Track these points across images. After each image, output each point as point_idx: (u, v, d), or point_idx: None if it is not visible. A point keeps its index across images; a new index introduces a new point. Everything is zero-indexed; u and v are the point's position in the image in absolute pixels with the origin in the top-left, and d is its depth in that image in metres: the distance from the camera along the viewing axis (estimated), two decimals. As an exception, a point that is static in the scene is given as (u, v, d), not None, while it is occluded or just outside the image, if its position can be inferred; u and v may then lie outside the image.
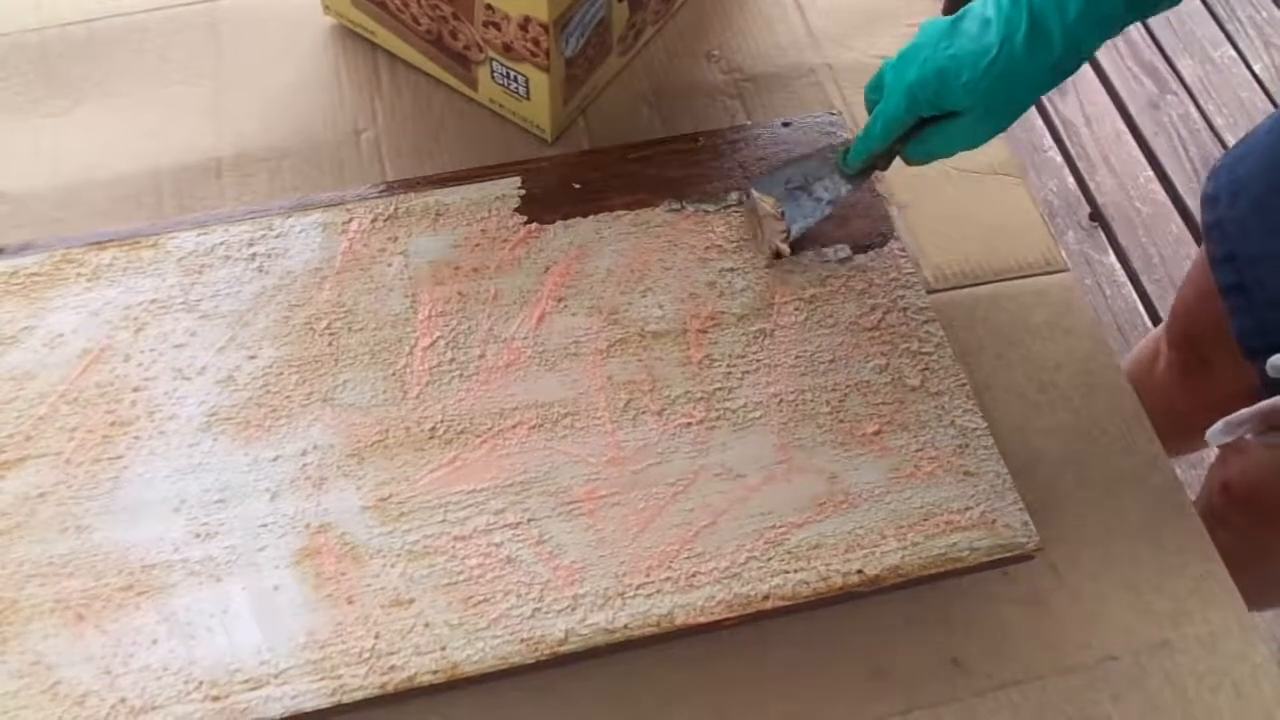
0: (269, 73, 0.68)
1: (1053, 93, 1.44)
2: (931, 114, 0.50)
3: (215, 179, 0.63)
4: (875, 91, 0.54)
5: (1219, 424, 0.56)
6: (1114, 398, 0.58)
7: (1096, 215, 1.38)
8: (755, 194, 0.58)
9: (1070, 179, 1.39)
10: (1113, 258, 1.35)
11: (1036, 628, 0.52)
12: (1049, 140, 1.42)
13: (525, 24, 0.56)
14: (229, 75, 0.68)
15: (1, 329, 0.55)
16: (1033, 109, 1.42)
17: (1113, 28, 0.47)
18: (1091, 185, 1.38)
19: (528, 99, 0.62)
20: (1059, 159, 1.40)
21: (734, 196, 0.60)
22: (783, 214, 0.57)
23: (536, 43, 0.57)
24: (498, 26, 0.58)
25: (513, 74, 0.61)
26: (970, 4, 0.50)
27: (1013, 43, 0.47)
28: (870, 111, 0.54)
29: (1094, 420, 0.57)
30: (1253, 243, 0.66)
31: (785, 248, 0.57)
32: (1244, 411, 0.54)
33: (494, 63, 0.61)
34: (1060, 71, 0.48)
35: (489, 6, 0.57)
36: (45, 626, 0.47)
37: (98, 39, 0.69)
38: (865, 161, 0.55)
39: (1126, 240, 1.35)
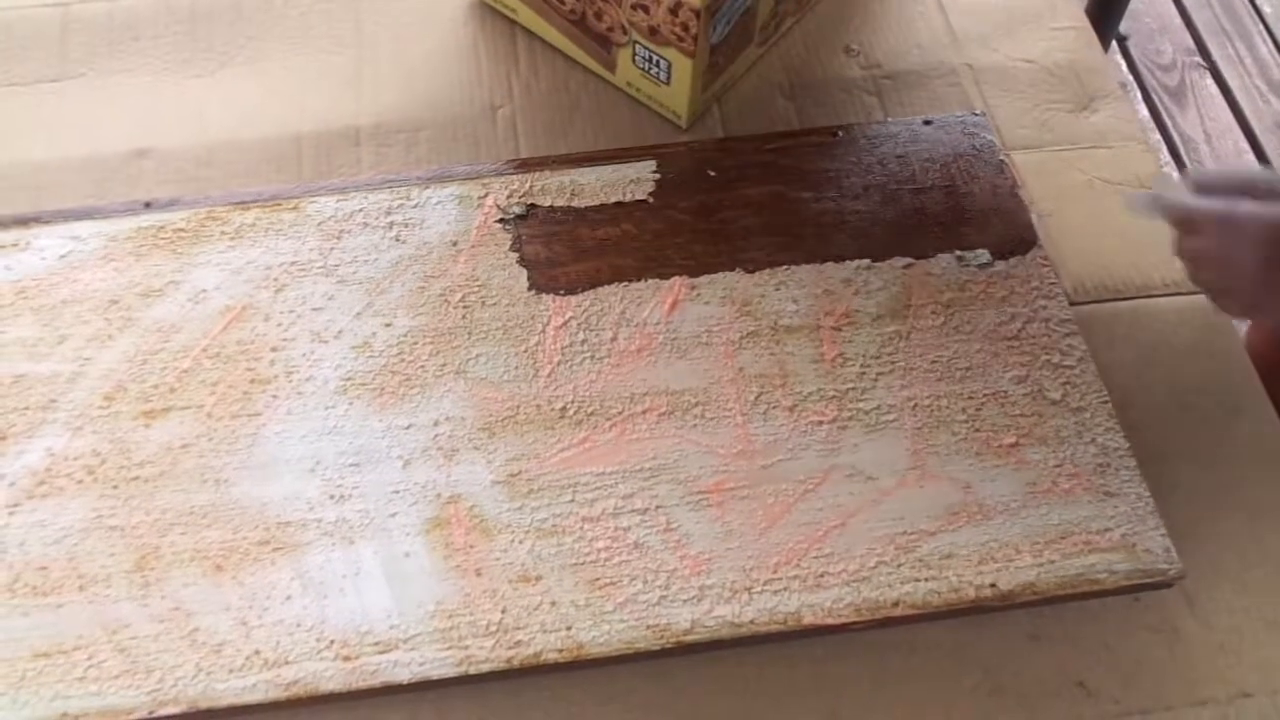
0: (409, 45, 0.68)
1: (1172, 107, 1.39)
2: None
3: (354, 147, 0.64)
4: None
5: None
6: (1257, 425, 0.56)
7: (1211, 234, 1.33)
8: None
9: (1186, 196, 1.35)
10: (1225, 279, 1.30)
11: (1168, 658, 0.50)
12: (1166, 155, 1.38)
13: (676, 8, 0.56)
14: (370, 46, 0.68)
15: (149, 281, 0.56)
16: (1150, 122, 1.38)
17: None
18: (1208, 202, 1.33)
19: (667, 84, 0.61)
20: (1176, 176, 1.36)
21: (875, 197, 0.59)
22: None
23: (685, 27, 0.56)
24: (646, 9, 0.57)
25: (655, 58, 0.60)
26: None
27: None
28: None
29: (1235, 447, 0.55)
30: None
31: None
32: None
33: (637, 46, 0.61)
34: None
35: (641, -11, 0.57)
36: (186, 574, 0.48)
37: (244, 4, 0.70)
38: None
39: (1241, 262, 1.30)
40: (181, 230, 0.58)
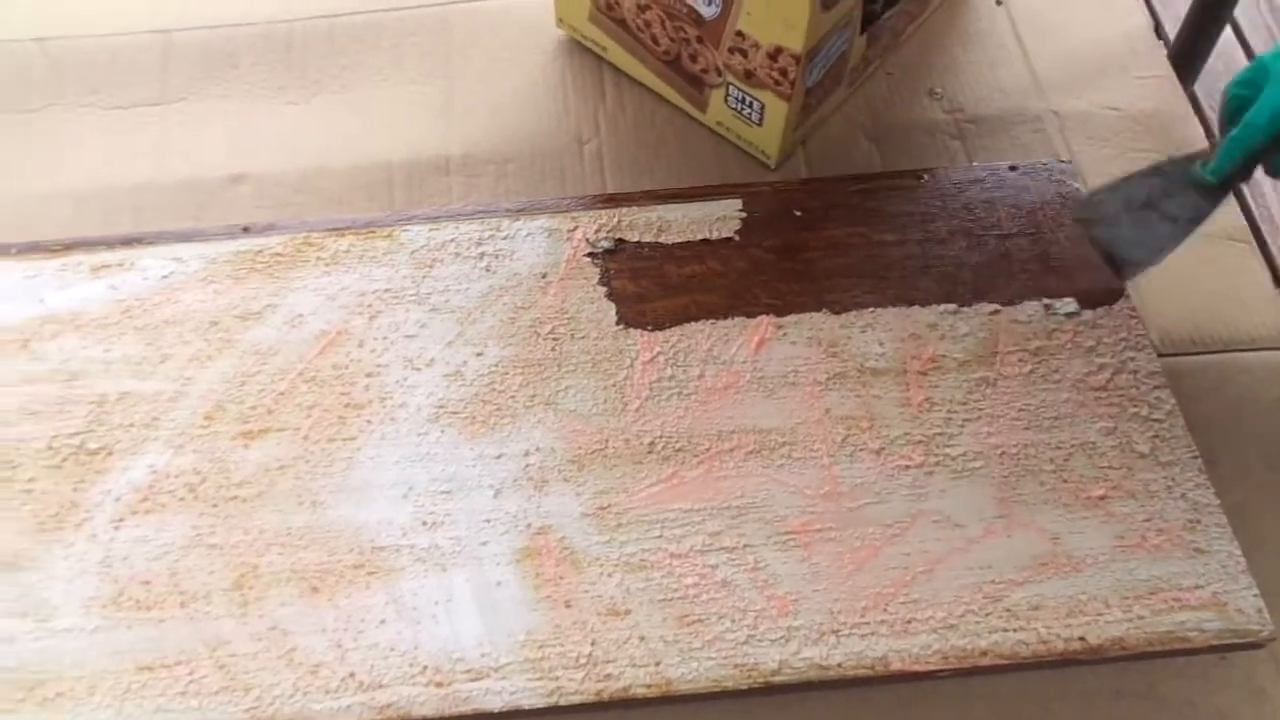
0: (499, 78, 0.70)
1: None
2: None
3: (444, 176, 0.66)
4: (1247, 86, 0.49)
5: None
6: (1348, 485, 0.55)
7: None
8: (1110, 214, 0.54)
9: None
10: (1291, 326, 1.28)
11: (1255, 717, 0.50)
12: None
13: (775, 53, 0.57)
14: (459, 78, 0.70)
15: (248, 304, 0.58)
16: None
17: None
18: (1274, 249, 1.32)
19: (759, 125, 0.62)
20: (1242, 222, 1.34)
21: (960, 242, 0.60)
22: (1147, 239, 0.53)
23: (784, 72, 0.57)
24: (744, 53, 0.58)
25: (750, 99, 0.61)
26: None
27: None
28: (1231, 111, 0.50)
29: (1325, 507, 0.55)
30: None
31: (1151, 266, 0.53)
32: None
33: (731, 87, 0.61)
34: None
35: (740, 34, 0.57)
36: (283, 594, 0.49)
37: (338, 34, 0.72)
38: (1237, 166, 0.50)
39: (1306, 309, 1.28)
40: (279, 255, 0.60)
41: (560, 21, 0.69)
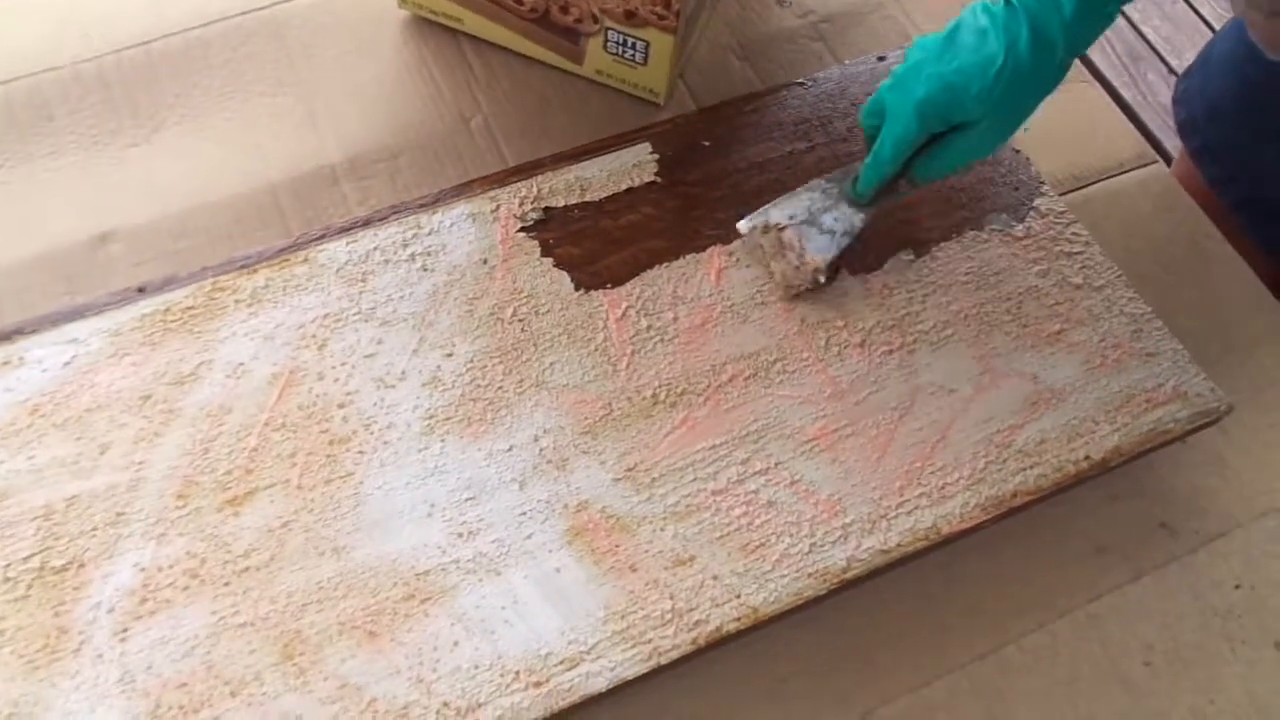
0: (354, 72, 0.66)
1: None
2: (941, 129, 0.51)
3: (334, 186, 0.62)
4: (875, 116, 0.53)
5: None
6: (1230, 267, 0.63)
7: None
8: (774, 227, 0.56)
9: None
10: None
11: (1223, 483, 0.57)
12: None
13: (659, -13, 0.57)
14: (312, 81, 0.65)
15: (177, 368, 0.53)
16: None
17: (1107, 21, 0.49)
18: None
19: (644, 65, 0.62)
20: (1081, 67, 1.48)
21: (859, 134, 0.62)
22: (807, 248, 0.55)
23: (668, 4, 0.57)
24: (624, -6, 0.58)
25: (631, 41, 0.61)
26: (960, 18, 0.50)
27: (1016, 50, 0.47)
28: (869, 137, 0.54)
29: (1216, 288, 0.63)
30: (1247, 155, 0.68)
31: (820, 278, 0.55)
32: None
33: (610, 32, 0.61)
34: (1062, 70, 0.50)
35: (619, -25, 0.57)
36: (340, 650, 0.46)
37: (158, 61, 0.65)
38: (877, 188, 0.54)
39: None
40: (190, 309, 0.54)
41: (403, 1, 0.66)
